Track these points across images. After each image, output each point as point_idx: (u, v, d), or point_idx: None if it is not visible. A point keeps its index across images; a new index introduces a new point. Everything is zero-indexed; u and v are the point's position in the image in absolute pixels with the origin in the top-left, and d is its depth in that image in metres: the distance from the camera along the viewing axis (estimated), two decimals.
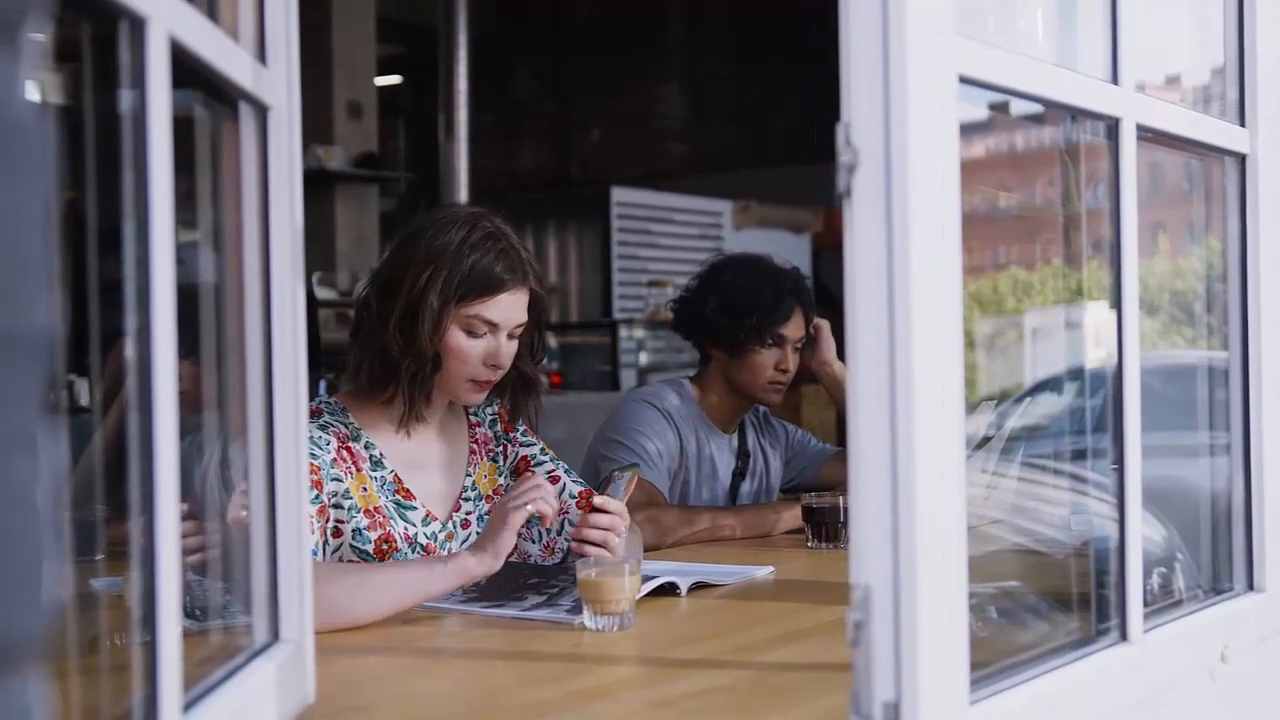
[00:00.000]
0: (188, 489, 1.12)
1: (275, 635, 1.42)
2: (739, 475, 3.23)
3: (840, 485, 3.04)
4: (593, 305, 8.75)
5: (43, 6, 0.65)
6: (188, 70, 1.15)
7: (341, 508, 2.21)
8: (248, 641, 1.40)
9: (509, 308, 2.29)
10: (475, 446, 2.47)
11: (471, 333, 2.27)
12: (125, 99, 1.06)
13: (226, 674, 1.29)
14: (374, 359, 2.28)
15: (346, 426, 2.30)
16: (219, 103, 1.36)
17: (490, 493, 2.45)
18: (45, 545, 0.63)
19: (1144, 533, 1.65)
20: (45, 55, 0.68)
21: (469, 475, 2.43)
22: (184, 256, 1.15)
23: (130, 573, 1.11)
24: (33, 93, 0.64)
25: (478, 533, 2.37)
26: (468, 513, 2.41)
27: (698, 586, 2.27)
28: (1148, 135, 1.66)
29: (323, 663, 1.52)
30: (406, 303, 2.24)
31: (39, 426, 0.63)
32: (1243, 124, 1.90)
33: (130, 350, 1.06)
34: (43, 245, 0.63)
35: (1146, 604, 1.63)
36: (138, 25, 1.03)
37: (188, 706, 1.13)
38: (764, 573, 2.44)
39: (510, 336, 2.31)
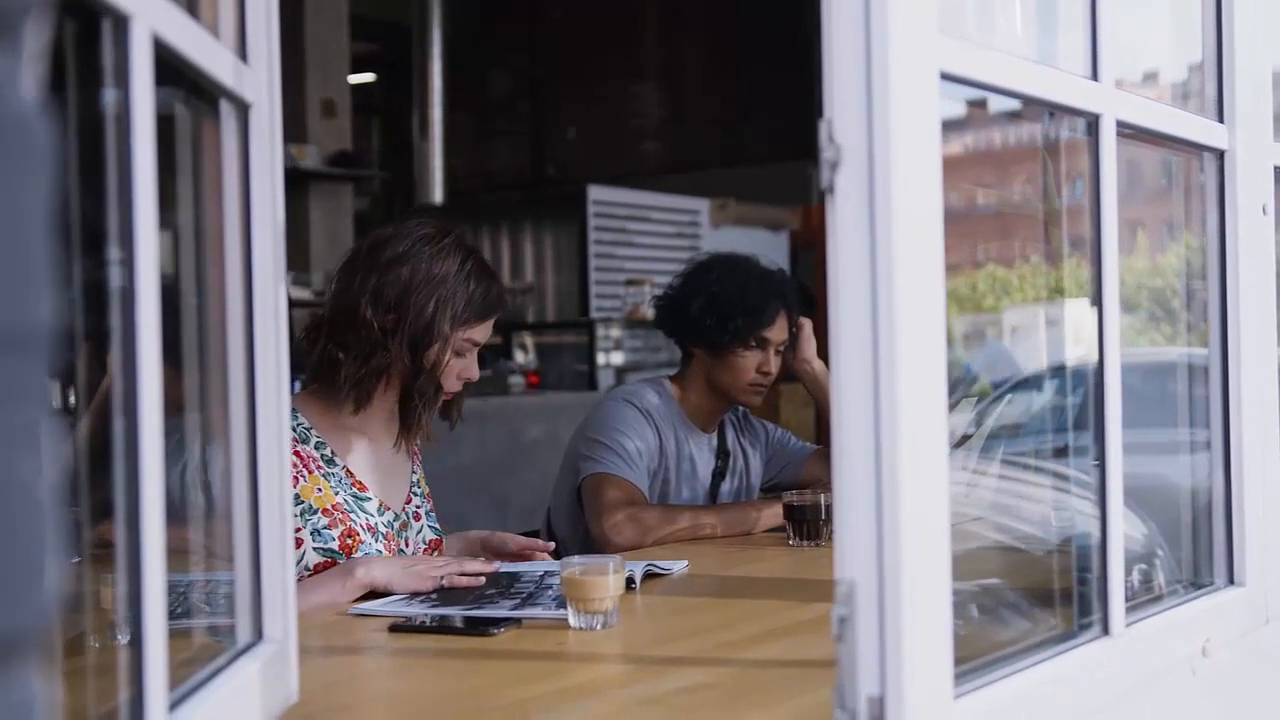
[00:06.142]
0: (167, 491, 1.12)
1: (259, 635, 1.42)
2: (719, 474, 3.23)
3: (820, 483, 3.05)
4: (570, 304, 8.74)
5: (43, 4, 0.65)
6: (168, 68, 1.15)
7: (295, 515, 2.25)
8: (230, 641, 1.40)
9: (490, 329, 2.46)
10: (415, 450, 2.58)
11: (458, 353, 2.40)
12: (107, 97, 1.05)
13: (211, 673, 1.28)
14: (375, 375, 2.36)
15: (294, 429, 2.34)
16: (199, 100, 1.35)
17: (426, 493, 2.59)
18: (48, 540, 0.63)
19: (1125, 530, 1.66)
20: (45, 53, 0.68)
21: (414, 473, 2.56)
22: (162, 256, 1.14)
23: (110, 574, 1.10)
24: (33, 90, 0.64)
25: (429, 525, 2.53)
26: (417, 506, 2.53)
27: (649, 576, 2.33)
28: (1127, 131, 1.66)
29: (306, 662, 1.52)
30: (414, 328, 2.34)
31: (42, 421, 0.64)
32: (1221, 120, 1.91)
33: (112, 352, 1.05)
34: (44, 242, 0.63)
35: (1128, 599, 1.64)
36: (121, 23, 1.03)
37: (173, 706, 1.12)
38: (679, 567, 2.46)
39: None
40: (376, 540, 2.36)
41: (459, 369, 2.41)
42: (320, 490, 2.33)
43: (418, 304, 2.33)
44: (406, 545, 2.45)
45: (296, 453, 2.31)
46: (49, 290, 0.63)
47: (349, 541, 2.32)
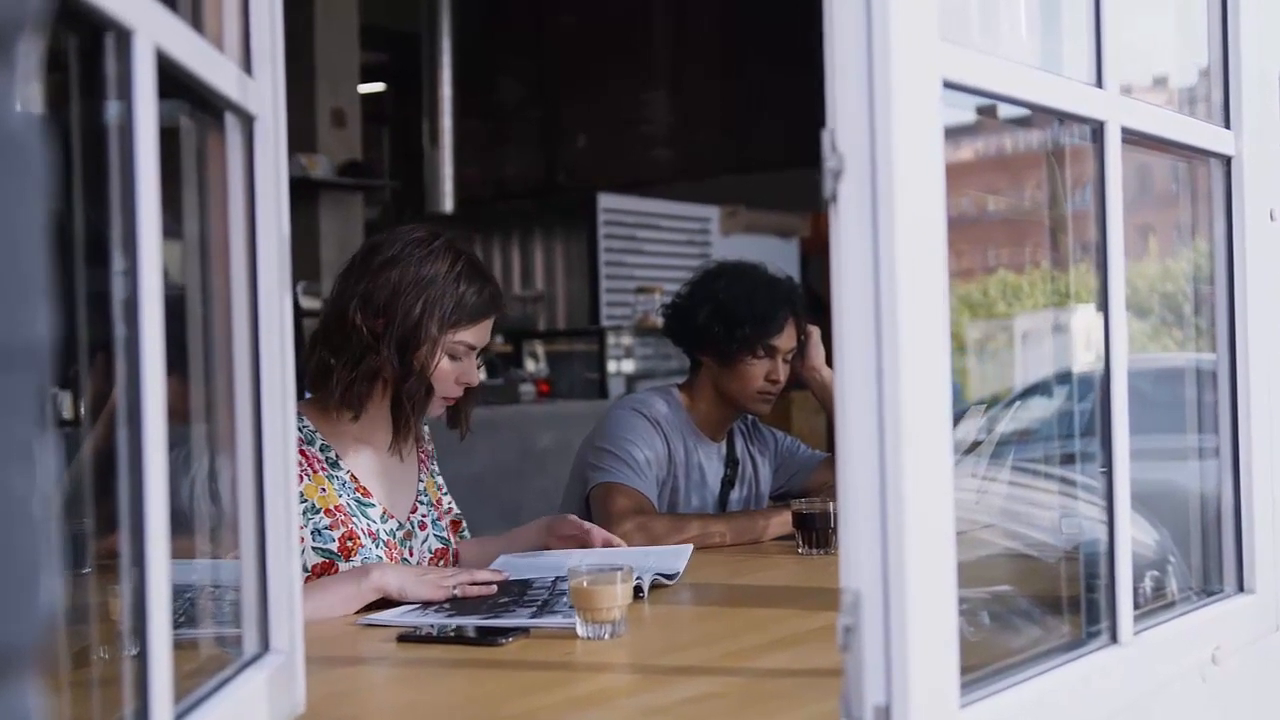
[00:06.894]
0: (175, 502, 1.12)
1: (265, 646, 1.42)
2: (728, 483, 3.23)
3: (830, 491, 3.04)
4: (580, 312, 8.74)
5: (38, 19, 0.66)
6: (173, 80, 1.15)
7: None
8: (237, 652, 1.40)
9: (487, 332, 2.45)
10: (423, 457, 2.59)
11: (453, 356, 2.40)
12: (111, 110, 1.05)
13: (217, 684, 1.28)
14: (366, 379, 2.36)
15: (301, 431, 2.34)
16: (204, 113, 1.36)
17: (434, 501, 2.57)
18: (42, 555, 0.64)
19: (1136, 536, 1.65)
20: (40, 68, 0.68)
21: (421, 481, 2.55)
22: (168, 268, 1.14)
23: (118, 585, 1.11)
24: (29, 105, 0.64)
25: (434, 535, 2.52)
26: (423, 515, 2.52)
27: (657, 586, 2.33)
28: (1133, 138, 1.66)
29: (313, 673, 1.52)
30: (402, 330, 2.33)
31: (36, 437, 0.64)
32: (1228, 126, 1.91)
33: (117, 363, 1.05)
34: (40, 257, 0.63)
35: (1138, 607, 1.63)
36: (124, 37, 1.03)
37: (178, 717, 1.12)
38: (686, 552, 2.51)
39: (478, 356, 2.46)
40: (377, 546, 2.36)
41: (456, 373, 2.40)
42: (324, 490, 2.34)
43: (405, 305, 2.33)
44: (411, 554, 2.45)
45: (302, 452, 2.32)
46: (45, 306, 0.63)
47: (349, 544, 2.32)
